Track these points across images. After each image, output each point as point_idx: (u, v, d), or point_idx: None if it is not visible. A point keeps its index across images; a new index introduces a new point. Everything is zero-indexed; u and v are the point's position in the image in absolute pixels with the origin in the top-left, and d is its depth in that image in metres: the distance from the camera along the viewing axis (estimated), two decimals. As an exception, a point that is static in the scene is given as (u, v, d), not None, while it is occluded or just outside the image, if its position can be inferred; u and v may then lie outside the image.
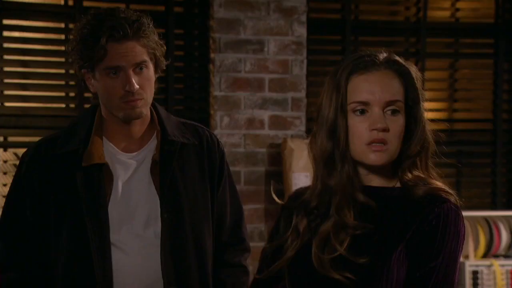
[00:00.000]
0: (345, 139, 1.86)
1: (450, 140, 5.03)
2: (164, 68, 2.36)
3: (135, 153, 2.34)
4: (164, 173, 2.31)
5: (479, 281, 4.47)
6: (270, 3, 4.51)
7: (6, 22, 4.26)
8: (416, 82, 1.89)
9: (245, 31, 4.48)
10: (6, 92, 4.29)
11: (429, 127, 1.93)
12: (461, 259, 4.48)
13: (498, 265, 4.49)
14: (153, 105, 2.37)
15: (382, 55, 1.90)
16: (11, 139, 4.30)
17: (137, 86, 2.22)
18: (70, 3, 4.36)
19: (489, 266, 4.50)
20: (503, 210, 4.90)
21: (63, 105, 4.45)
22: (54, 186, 2.29)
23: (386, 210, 1.86)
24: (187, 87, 4.57)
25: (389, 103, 1.85)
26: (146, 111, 2.31)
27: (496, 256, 4.61)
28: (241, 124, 4.48)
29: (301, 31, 4.57)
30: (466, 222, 4.71)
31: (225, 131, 4.46)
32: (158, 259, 2.27)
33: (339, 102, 1.86)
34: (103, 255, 2.24)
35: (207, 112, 4.51)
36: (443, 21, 5.09)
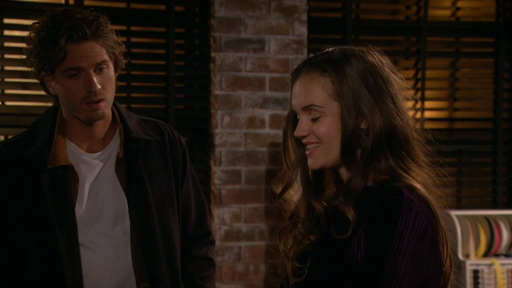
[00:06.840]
0: None
1: (451, 139, 5.04)
2: (124, 66, 2.37)
3: (99, 153, 2.35)
4: (129, 170, 2.32)
5: (480, 280, 4.46)
6: (270, 2, 4.51)
7: (6, 21, 4.26)
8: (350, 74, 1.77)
9: (246, 30, 4.48)
10: (7, 91, 4.29)
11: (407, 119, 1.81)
12: (462, 258, 4.50)
13: (499, 264, 4.49)
14: (113, 103, 2.37)
15: (311, 56, 1.84)
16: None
17: (99, 86, 2.23)
18: (71, 2, 4.35)
19: (490, 265, 4.49)
20: (504, 209, 4.89)
21: (63, 104, 4.45)
22: (20, 189, 2.29)
23: None
24: (188, 86, 4.56)
25: (305, 108, 1.80)
26: (108, 111, 2.32)
27: (497, 255, 4.61)
28: (242, 123, 4.48)
29: (302, 30, 4.57)
30: (466, 221, 4.65)
31: (226, 130, 4.45)
32: (129, 256, 2.29)
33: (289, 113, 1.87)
34: (72, 255, 2.25)
35: (208, 111, 4.50)
36: (443, 20, 5.09)
